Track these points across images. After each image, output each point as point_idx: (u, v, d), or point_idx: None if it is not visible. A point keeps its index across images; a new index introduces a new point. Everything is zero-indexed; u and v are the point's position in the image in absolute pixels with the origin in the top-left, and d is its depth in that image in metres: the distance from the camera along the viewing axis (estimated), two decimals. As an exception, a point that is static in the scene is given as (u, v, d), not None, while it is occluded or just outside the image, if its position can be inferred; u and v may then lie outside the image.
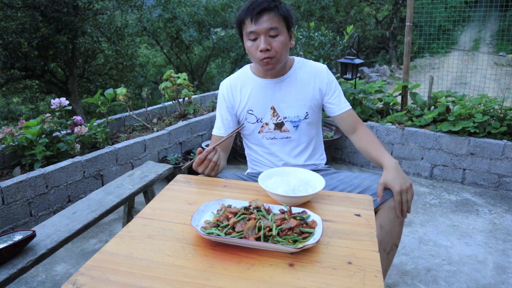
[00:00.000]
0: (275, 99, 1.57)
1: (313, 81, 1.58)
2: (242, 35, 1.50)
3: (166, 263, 0.89)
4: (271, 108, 1.58)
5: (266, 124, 1.60)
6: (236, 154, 3.69)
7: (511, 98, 3.73)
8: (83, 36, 8.53)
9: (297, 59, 1.63)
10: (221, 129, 1.63)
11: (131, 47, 9.80)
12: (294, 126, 1.59)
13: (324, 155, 1.74)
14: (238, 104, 1.61)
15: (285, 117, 1.58)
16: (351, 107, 1.62)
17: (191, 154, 3.38)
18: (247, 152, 1.78)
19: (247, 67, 1.65)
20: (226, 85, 1.64)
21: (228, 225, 0.98)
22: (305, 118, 1.59)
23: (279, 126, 1.59)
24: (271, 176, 1.27)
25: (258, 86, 1.58)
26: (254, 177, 1.59)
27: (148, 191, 2.18)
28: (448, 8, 7.10)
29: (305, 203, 1.17)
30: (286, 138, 1.61)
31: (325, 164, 1.73)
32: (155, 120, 3.76)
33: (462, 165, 3.20)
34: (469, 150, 3.14)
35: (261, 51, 1.42)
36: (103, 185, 2.62)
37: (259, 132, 1.62)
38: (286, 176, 1.27)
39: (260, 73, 1.58)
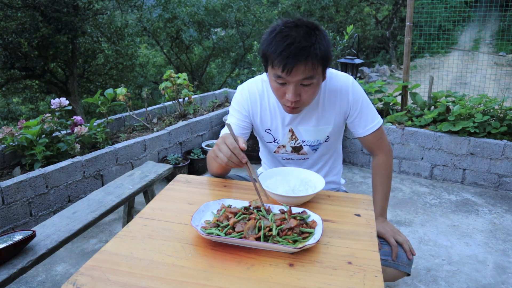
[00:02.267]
0: (294, 122, 1.44)
1: (336, 103, 1.41)
2: (266, 66, 1.29)
3: (166, 263, 0.89)
4: (289, 131, 1.46)
5: (283, 146, 1.50)
6: (236, 154, 3.69)
7: (511, 98, 3.73)
8: (83, 36, 8.53)
9: None
10: (235, 132, 1.44)
11: (131, 47, 9.80)
12: (313, 150, 1.49)
13: (341, 168, 1.67)
14: (256, 117, 1.47)
15: (304, 141, 1.47)
16: (376, 128, 1.45)
17: (191, 154, 3.38)
18: (261, 153, 1.68)
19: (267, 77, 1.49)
20: (245, 91, 1.47)
21: (228, 225, 0.98)
22: (325, 141, 1.48)
23: (297, 149, 1.49)
24: (271, 176, 1.27)
25: (278, 105, 1.43)
26: None
27: (148, 191, 2.18)
28: (448, 8, 7.10)
29: (305, 203, 1.17)
30: (304, 159, 1.52)
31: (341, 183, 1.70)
32: (155, 120, 3.76)
33: (462, 165, 3.20)
34: (469, 150, 3.14)
35: (288, 100, 1.25)
36: (103, 185, 2.62)
37: (275, 152, 1.53)
38: (286, 176, 1.27)
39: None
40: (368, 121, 1.44)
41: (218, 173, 1.37)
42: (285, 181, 1.22)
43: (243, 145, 1.14)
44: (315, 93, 1.28)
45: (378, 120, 1.46)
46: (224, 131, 1.45)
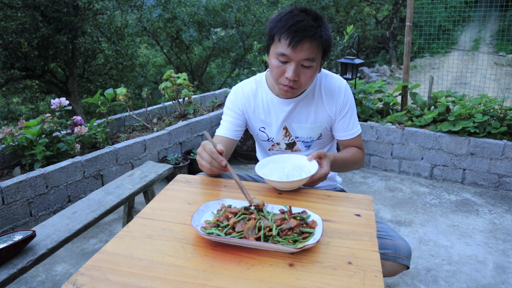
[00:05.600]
0: (289, 119, 1.47)
1: (330, 102, 1.46)
2: (269, 46, 1.33)
3: (166, 263, 0.89)
4: (283, 128, 1.50)
5: (278, 143, 1.53)
6: (236, 154, 3.69)
7: (511, 98, 3.73)
8: (83, 36, 8.52)
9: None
10: (229, 130, 1.49)
11: (131, 47, 9.79)
12: (306, 146, 1.53)
13: None
14: (250, 116, 1.51)
15: (297, 137, 1.50)
16: (357, 134, 1.50)
17: (191, 154, 3.38)
18: (258, 153, 1.72)
19: (262, 77, 1.51)
20: (239, 92, 1.51)
21: (228, 225, 0.98)
22: (318, 139, 1.52)
23: (290, 146, 1.53)
24: (267, 164, 1.32)
25: (272, 104, 1.47)
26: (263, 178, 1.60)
27: (148, 191, 2.18)
28: (448, 8, 7.10)
29: (305, 202, 1.17)
30: None
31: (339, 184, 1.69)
32: (155, 120, 3.76)
33: (462, 165, 3.20)
34: (469, 150, 3.14)
35: (286, 78, 1.29)
36: (103, 185, 2.62)
37: (269, 150, 1.57)
38: (281, 163, 1.32)
39: (275, 89, 1.44)
40: (350, 127, 1.49)
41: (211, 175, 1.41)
42: (279, 168, 1.28)
43: (220, 147, 1.19)
44: (312, 78, 1.34)
45: (358, 128, 1.52)
46: (217, 133, 1.51)
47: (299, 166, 1.27)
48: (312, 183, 1.25)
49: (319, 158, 1.28)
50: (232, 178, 1.49)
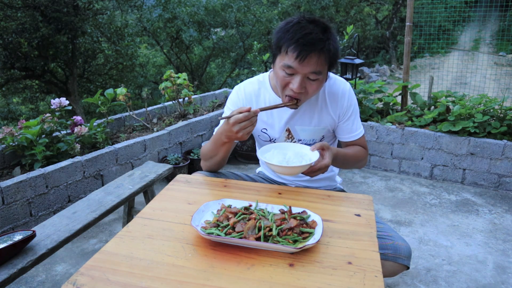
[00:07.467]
0: (292, 121, 1.46)
1: (333, 106, 1.45)
2: (276, 56, 1.31)
3: (166, 263, 0.89)
4: (286, 130, 1.49)
5: None
6: (236, 154, 3.69)
7: (511, 98, 3.73)
8: (83, 36, 8.52)
9: None
10: None
11: (131, 47, 9.79)
12: None
13: (337, 169, 1.67)
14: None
15: (300, 139, 1.50)
16: (360, 135, 1.50)
17: (191, 154, 3.38)
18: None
19: (265, 78, 1.50)
20: (240, 92, 1.50)
21: (228, 225, 0.98)
22: (320, 141, 1.51)
23: None
24: (269, 149, 1.34)
25: (275, 104, 1.43)
26: (263, 178, 1.59)
27: (148, 191, 2.18)
28: (448, 8, 7.10)
29: (305, 202, 1.17)
30: None
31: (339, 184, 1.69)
32: (155, 120, 3.76)
33: (462, 165, 3.20)
34: (469, 150, 3.14)
35: (292, 89, 1.28)
36: (103, 185, 2.62)
37: None
38: (283, 149, 1.33)
39: (278, 91, 1.42)
40: (354, 129, 1.50)
41: (223, 158, 1.39)
42: (281, 154, 1.29)
43: (246, 108, 1.20)
44: (319, 89, 1.33)
45: (361, 129, 1.53)
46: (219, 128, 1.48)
47: (300, 154, 1.28)
48: (311, 173, 1.24)
49: (322, 149, 1.28)
50: (247, 178, 1.50)
